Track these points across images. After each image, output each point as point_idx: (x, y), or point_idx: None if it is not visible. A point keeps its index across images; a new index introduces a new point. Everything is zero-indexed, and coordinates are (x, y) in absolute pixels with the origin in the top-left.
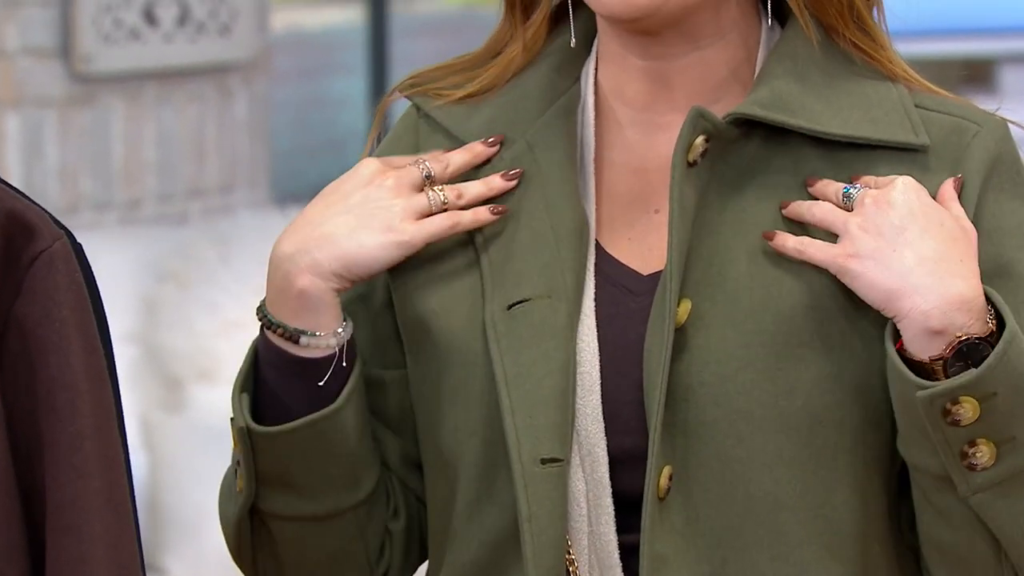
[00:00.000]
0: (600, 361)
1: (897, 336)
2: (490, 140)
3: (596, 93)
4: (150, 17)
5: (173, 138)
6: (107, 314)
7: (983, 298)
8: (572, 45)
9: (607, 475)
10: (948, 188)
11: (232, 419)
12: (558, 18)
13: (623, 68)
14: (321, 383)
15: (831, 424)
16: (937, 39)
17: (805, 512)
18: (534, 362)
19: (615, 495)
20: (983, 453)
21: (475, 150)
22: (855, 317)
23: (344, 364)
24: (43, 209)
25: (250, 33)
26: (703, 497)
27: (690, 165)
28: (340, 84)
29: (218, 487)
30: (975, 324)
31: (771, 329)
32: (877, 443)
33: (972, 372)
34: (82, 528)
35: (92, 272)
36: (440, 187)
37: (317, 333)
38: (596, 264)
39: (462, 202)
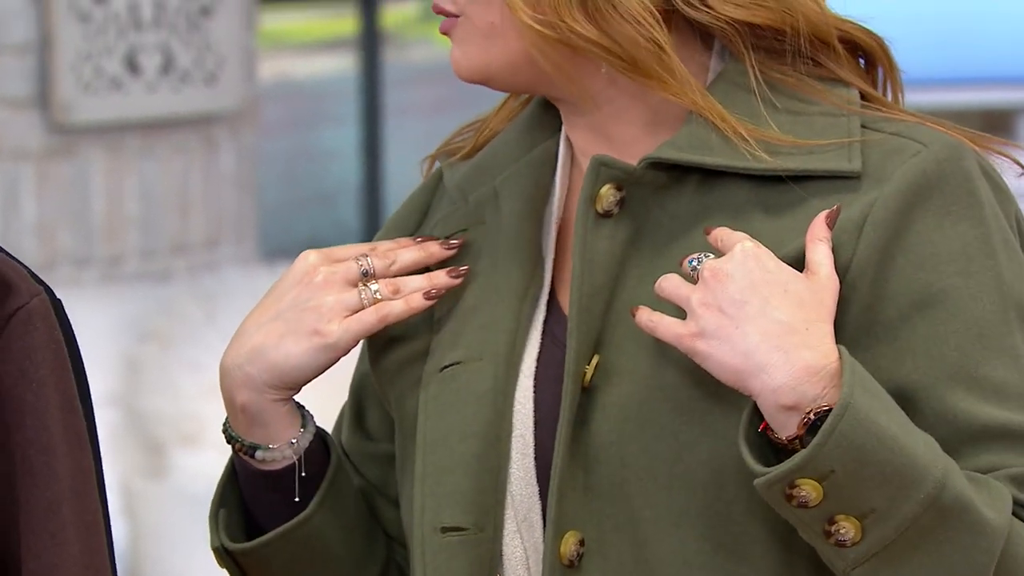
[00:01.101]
0: (535, 424)
1: (759, 419)
2: (451, 242)
3: (570, 144)
4: (132, 65)
5: (156, 191)
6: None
7: (837, 363)
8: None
9: (542, 541)
10: (817, 226)
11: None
12: None
13: (567, 121)
14: (296, 497)
15: (740, 479)
16: (956, 89)
17: (717, 572)
18: (452, 427)
19: None
20: (847, 529)
21: (429, 249)
22: None
23: (304, 474)
24: (21, 264)
25: (237, 82)
26: (618, 560)
27: (603, 216)
28: (331, 135)
29: (202, 556)
30: (829, 393)
31: (673, 383)
32: None
33: (801, 453)
34: None
35: (72, 330)
36: (376, 283)
37: (271, 446)
38: (546, 323)
39: (398, 297)
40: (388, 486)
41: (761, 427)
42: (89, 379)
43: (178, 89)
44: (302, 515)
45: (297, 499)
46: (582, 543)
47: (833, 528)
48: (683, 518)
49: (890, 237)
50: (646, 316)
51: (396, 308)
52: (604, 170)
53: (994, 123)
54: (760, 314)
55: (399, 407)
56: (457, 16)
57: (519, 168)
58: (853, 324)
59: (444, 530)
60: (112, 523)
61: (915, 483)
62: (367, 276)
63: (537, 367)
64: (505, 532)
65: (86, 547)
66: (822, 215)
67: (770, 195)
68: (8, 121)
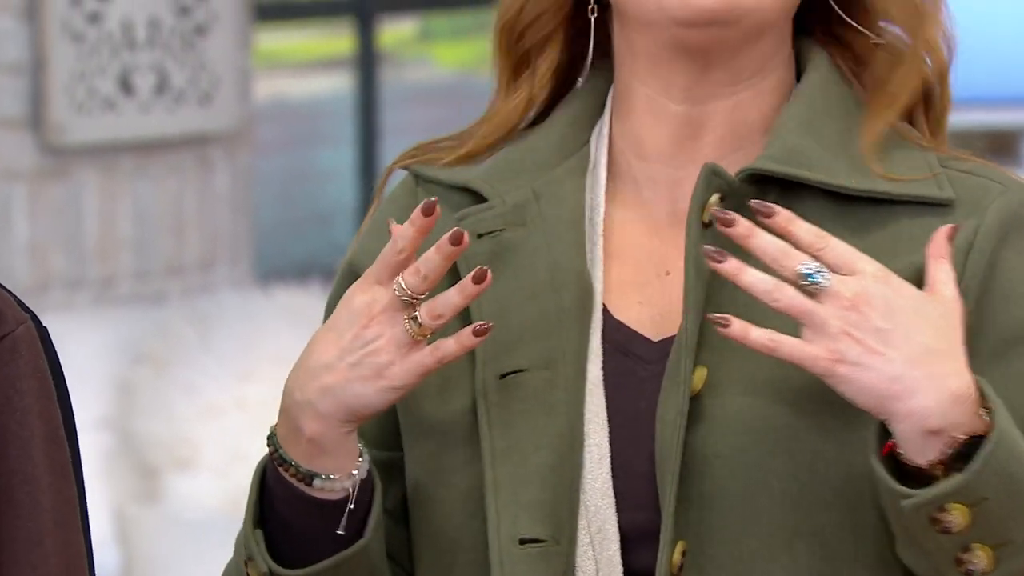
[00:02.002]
0: (610, 433)
1: (884, 439)
2: (454, 235)
3: (610, 151)
4: (126, 85)
5: (150, 213)
6: (79, 399)
7: (976, 390)
8: (579, 85)
9: (618, 553)
10: (938, 243)
11: (249, 558)
12: (562, 75)
13: (650, 116)
14: (340, 530)
15: (854, 499)
16: (959, 109)
17: None
18: (523, 436)
19: (627, 574)
20: (979, 559)
21: (444, 251)
22: None
23: (352, 506)
24: (7, 291)
25: (232, 102)
26: (718, 574)
27: (706, 226)
28: (327, 156)
29: None
30: (971, 419)
31: (790, 398)
32: None
33: (958, 478)
34: None
35: (58, 358)
36: (416, 310)
37: (332, 476)
38: (604, 331)
39: (441, 323)
40: (385, 496)
41: (885, 450)
42: (82, 402)
43: (172, 109)
44: (361, 542)
45: (341, 531)
46: (684, 554)
47: (967, 556)
48: (795, 536)
49: (987, 269)
50: (762, 336)
51: (451, 349)
52: (715, 179)
53: (998, 144)
54: (903, 339)
55: (432, 412)
56: None
57: (558, 175)
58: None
59: (523, 542)
60: (105, 549)
61: None
62: (407, 305)
63: (604, 376)
64: (578, 544)
65: None
66: (942, 232)
67: (853, 213)
68: (1, 141)
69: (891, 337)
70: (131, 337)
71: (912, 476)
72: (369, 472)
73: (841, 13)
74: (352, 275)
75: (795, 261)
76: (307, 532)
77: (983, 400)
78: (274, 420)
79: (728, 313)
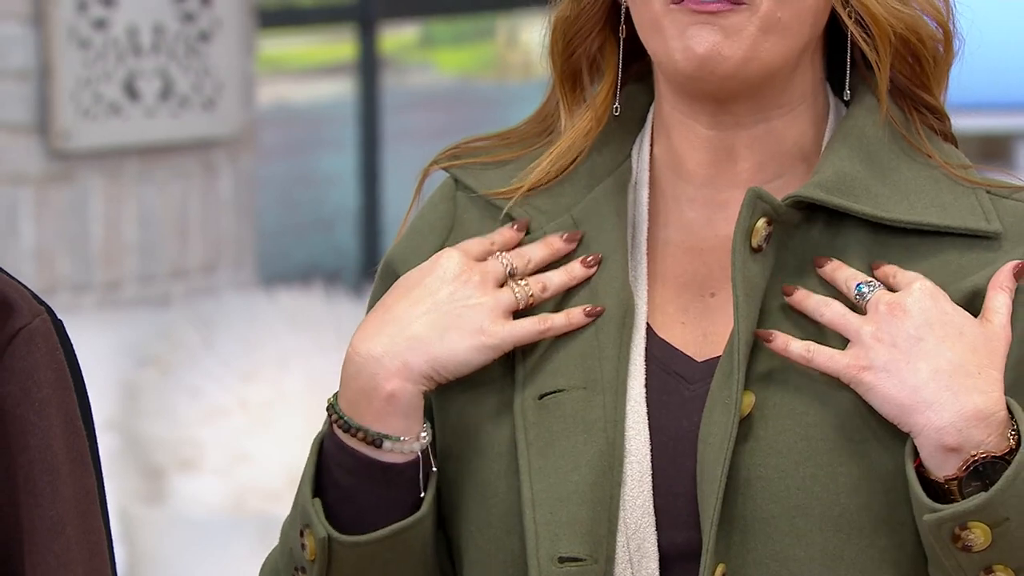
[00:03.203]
0: (651, 452)
1: (917, 453)
2: (566, 236)
3: (651, 168)
4: (131, 91)
5: (155, 217)
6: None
7: (1005, 412)
8: (616, 113)
9: (657, 572)
10: (1003, 274)
11: (306, 526)
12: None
13: (685, 138)
14: (422, 494)
15: (895, 524)
16: (953, 114)
17: None
18: (562, 455)
19: None
20: None
21: (554, 246)
22: None
23: (435, 468)
24: (23, 285)
25: (235, 107)
26: None
27: (754, 250)
28: (329, 160)
29: None
30: (993, 440)
31: (833, 422)
32: None
33: (981, 496)
34: None
35: (73, 350)
36: (525, 281)
37: (401, 438)
38: (647, 349)
39: (547, 295)
40: None
41: (915, 463)
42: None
43: (177, 114)
44: (421, 511)
45: (423, 495)
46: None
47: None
48: (837, 561)
49: None
50: (798, 347)
51: (558, 322)
52: (760, 203)
53: (992, 149)
54: (934, 352)
55: (470, 433)
56: (742, 3)
57: (596, 197)
58: (1008, 380)
59: (562, 560)
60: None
61: None
62: (512, 276)
63: (647, 394)
64: (617, 562)
65: (89, 568)
66: (1009, 266)
67: (899, 241)
68: (7, 146)
69: (921, 348)
70: (136, 340)
71: (939, 492)
72: (429, 444)
73: (853, 30)
74: (392, 275)
75: (854, 280)
76: (369, 500)
77: (1013, 422)
78: (276, 421)
79: (770, 353)
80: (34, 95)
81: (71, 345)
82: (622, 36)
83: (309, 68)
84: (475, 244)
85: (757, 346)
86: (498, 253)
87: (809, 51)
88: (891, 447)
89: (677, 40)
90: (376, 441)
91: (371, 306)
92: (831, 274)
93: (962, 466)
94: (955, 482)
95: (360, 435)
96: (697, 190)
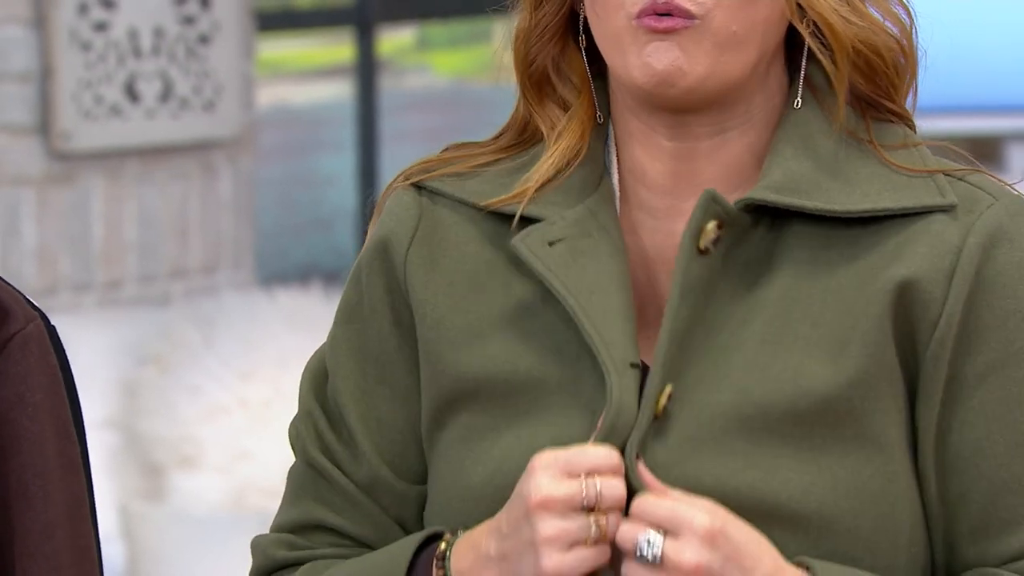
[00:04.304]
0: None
1: None
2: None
3: (620, 178)
4: (132, 93)
5: (155, 217)
6: (86, 399)
7: None
8: (599, 121)
9: None
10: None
11: None
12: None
13: (646, 148)
14: None
15: (815, 511)
16: (943, 116)
17: None
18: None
19: None
20: None
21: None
22: (869, 412)
23: None
24: (17, 290)
25: (235, 109)
26: None
27: (701, 252)
28: (327, 161)
29: None
30: None
31: (750, 415)
32: (891, 552)
33: None
34: None
35: (66, 355)
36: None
37: None
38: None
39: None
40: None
41: None
42: (88, 402)
43: (177, 116)
44: None
45: None
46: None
47: None
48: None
49: (972, 290)
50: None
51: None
52: (712, 206)
53: (981, 150)
54: None
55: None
56: (694, 18)
57: (585, 210)
58: (933, 379)
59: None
60: (111, 545)
61: None
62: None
63: None
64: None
65: (79, 571)
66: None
67: (846, 231)
68: (9, 148)
69: None
70: (136, 339)
71: None
72: None
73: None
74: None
75: (634, 538)
76: None
77: None
78: (275, 419)
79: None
80: (35, 97)
81: (63, 350)
82: (583, 45)
83: (307, 70)
84: (577, 457)
85: (689, 348)
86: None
87: (766, 61)
88: (836, 445)
89: (636, 57)
90: None
91: (340, 309)
92: (622, 539)
93: None
94: None
95: None
96: (659, 199)
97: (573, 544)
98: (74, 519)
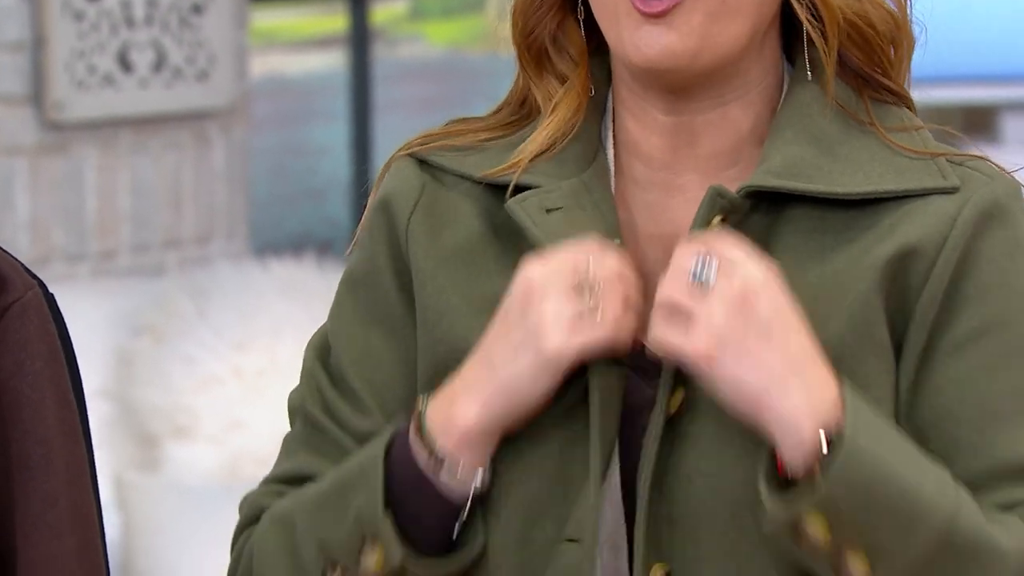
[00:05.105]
0: (619, 455)
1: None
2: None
3: (615, 151)
4: (125, 63)
5: (148, 187)
6: (80, 369)
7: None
8: (592, 94)
9: (625, 563)
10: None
11: (372, 536)
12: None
13: (643, 122)
14: (454, 533)
15: None
16: (937, 86)
17: None
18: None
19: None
20: (856, 566)
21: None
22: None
23: (467, 511)
24: (15, 259)
25: (228, 79)
26: None
27: None
28: (321, 131)
29: (193, 548)
30: (835, 427)
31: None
32: None
33: (802, 489)
34: None
35: (65, 323)
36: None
37: (459, 470)
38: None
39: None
40: None
41: (779, 467)
42: (82, 372)
43: (170, 86)
44: (479, 541)
45: (454, 538)
46: (668, 574)
47: (843, 567)
48: (781, 555)
49: (960, 261)
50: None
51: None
52: (719, 201)
53: (975, 120)
54: (782, 343)
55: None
56: None
57: (579, 183)
58: (913, 344)
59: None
60: (106, 513)
61: (922, 519)
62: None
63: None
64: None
65: (81, 539)
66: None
67: (843, 211)
68: (2, 118)
69: (771, 336)
70: (130, 309)
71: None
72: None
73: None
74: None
75: (688, 265)
76: (425, 520)
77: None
78: (269, 389)
79: None
80: (28, 66)
81: (62, 318)
82: (581, 17)
83: (301, 40)
84: (562, 253)
85: None
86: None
87: (761, 33)
88: None
89: (630, 37)
90: (439, 463)
91: (344, 278)
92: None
93: (813, 455)
94: (813, 474)
95: (429, 450)
96: (655, 173)
97: (576, 322)
98: (75, 486)
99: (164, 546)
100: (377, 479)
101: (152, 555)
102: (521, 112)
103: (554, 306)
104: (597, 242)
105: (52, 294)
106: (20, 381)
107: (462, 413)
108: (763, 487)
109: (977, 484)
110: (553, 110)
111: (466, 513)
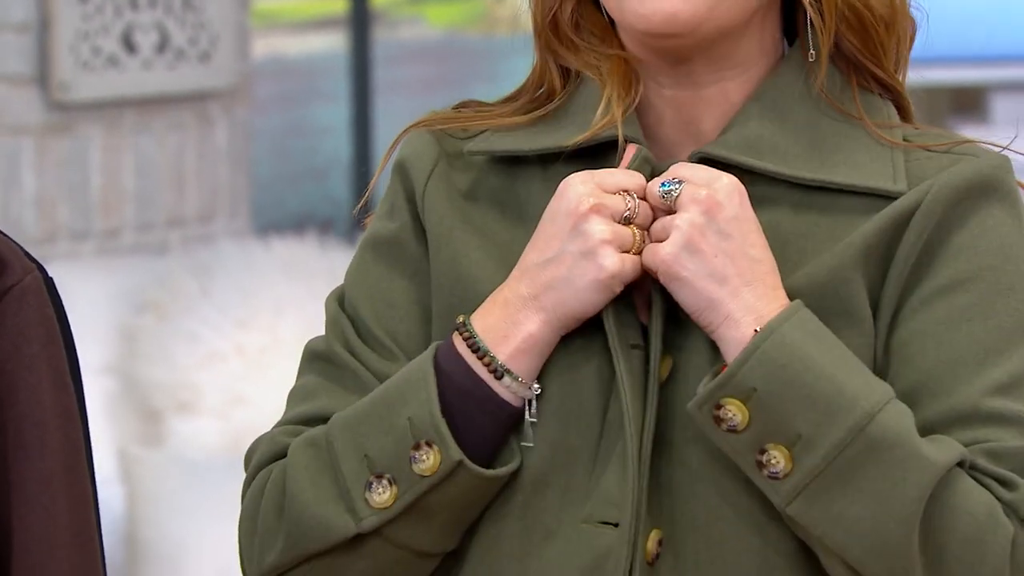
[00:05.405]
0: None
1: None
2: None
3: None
4: (129, 44)
5: (152, 167)
6: (85, 345)
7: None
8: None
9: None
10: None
11: (427, 442)
12: None
13: (649, 100)
14: (528, 442)
15: None
16: (927, 67)
17: (799, 569)
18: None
19: None
20: (777, 459)
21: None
22: None
23: (534, 418)
24: (15, 242)
25: (231, 60)
26: (693, 559)
27: None
28: (322, 111)
29: (196, 520)
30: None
31: None
32: None
33: (723, 373)
34: (49, 567)
35: (63, 307)
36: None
37: (520, 379)
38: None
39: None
40: None
41: (723, 368)
42: (88, 349)
43: (173, 67)
44: (518, 455)
45: (524, 443)
46: (660, 543)
47: (764, 458)
48: (766, 518)
49: (935, 228)
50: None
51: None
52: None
53: (964, 101)
54: (741, 246)
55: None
56: None
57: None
58: (887, 308)
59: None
60: (111, 487)
61: (842, 411)
62: (627, 220)
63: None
64: None
65: (76, 519)
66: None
67: (809, 198)
68: (9, 98)
69: (729, 242)
70: (134, 286)
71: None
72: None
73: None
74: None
75: (657, 183)
76: (467, 424)
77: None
78: (271, 366)
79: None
80: (34, 48)
81: (61, 302)
82: None
83: (302, 22)
84: (611, 177)
85: (677, 310)
86: (626, 194)
87: (764, 9)
88: None
89: (633, 5)
90: (498, 373)
91: (368, 238)
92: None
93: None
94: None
95: (486, 360)
96: (663, 148)
97: (622, 250)
98: (71, 467)
99: (168, 518)
100: (431, 387)
101: (156, 526)
102: (537, 94)
103: (611, 229)
104: (633, 175)
105: (51, 277)
106: (17, 364)
107: (524, 324)
108: (704, 383)
109: (933, 428)
110: (607, 75)
111: (528, 415)
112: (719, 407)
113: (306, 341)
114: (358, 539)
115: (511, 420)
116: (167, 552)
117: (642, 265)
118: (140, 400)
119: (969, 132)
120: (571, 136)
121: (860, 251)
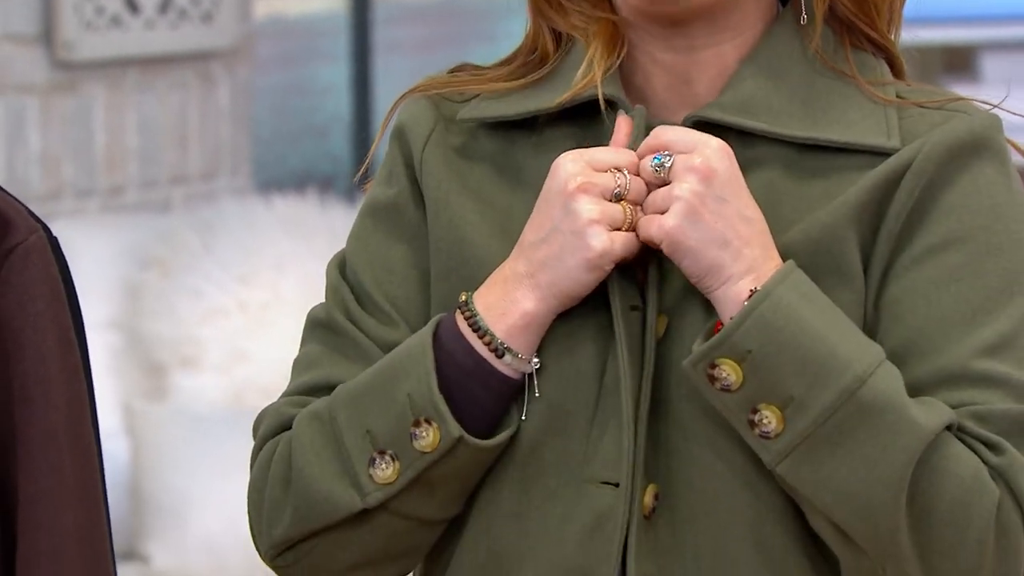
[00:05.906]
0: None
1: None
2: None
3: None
4: (132, 4)
5: (155, 125)
6: (90, 301)
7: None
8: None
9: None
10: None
11: (426, 419)
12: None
13: (640, 63)
14: (523, 417)
15: None
16: (918, 26)
17: (790, 523)
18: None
19: None
20: (768, 419)
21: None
22: None
23: (538, 393)
24: (19, 202)
25: (232, 20)
26: (688, 513)
27: None
28: (323, 71)
29: (198, 472)
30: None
31: None
32: None
33: (719, 333)
34: (54, 522)
35: (67, 265)
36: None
37: (519, 355)
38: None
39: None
40: None
41: (716, 327)
42: (92, 304)
43: (176, 27)
44: (514, 425)
45: (524, 418)
46: (656, 497)
47: (756, 417)
48: (758, 473)
49: (926, 186)
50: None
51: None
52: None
53: (955, 61)
54: (737, 210)
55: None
56: None
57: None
58: (878, 266)
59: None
60: (115, 441)
61: (834, 373)
62: (619, 198)
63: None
64: None
65: (80, 474)
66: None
67: (806, 159)
68: (14, 57)
69: (725, 207)
70: (138, 243)
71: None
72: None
73: None
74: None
75: (650, 158)
76: (468, 400)
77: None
78: (272, 322)
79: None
80: (39, 7)
81: (65, 260)
82: None
83: None
84: (603, 155)
85: (671, 268)
86: (616, 171)
87: None
88: None
89: None
90: (498, 350)
91: (367, 205)
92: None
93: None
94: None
95: (487, 339)
96: (655, 112)
97: (613, 228)
98: (75, 423)
99: (171, 470)
100: (429, 362)
101: (159, 478)
102: (530, 58)
103: (599, 208)
104: (625, 153)
105: (55, 236)
106: (22, 322)
107: (521, 301)
108: (697, 342)
109: (921, 388)
110: (593, 37)
111: (528, 391)
112: (714, 366)
113: (306, 297)
114: (364, 513)
115: (511, 391)
116: (170, 504)
117: (639, 239)
118: (144, 355)
119: (960, 91)
120: (556, 99)
121: (853, 208)
